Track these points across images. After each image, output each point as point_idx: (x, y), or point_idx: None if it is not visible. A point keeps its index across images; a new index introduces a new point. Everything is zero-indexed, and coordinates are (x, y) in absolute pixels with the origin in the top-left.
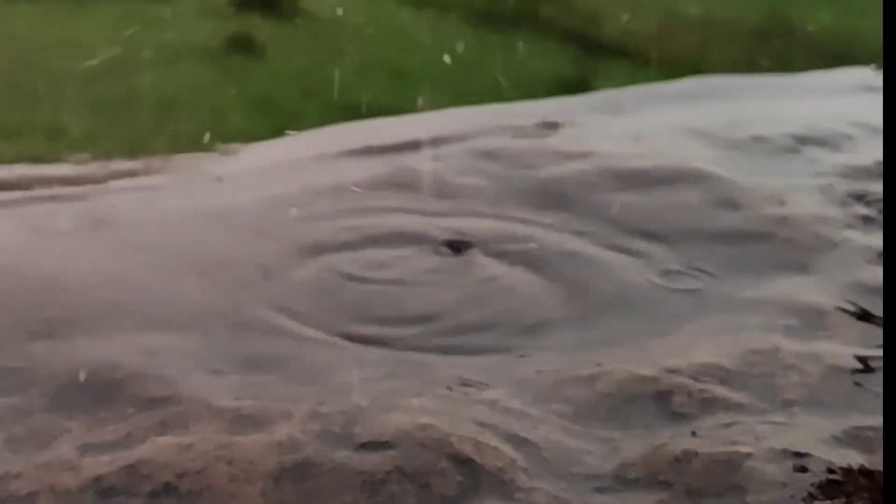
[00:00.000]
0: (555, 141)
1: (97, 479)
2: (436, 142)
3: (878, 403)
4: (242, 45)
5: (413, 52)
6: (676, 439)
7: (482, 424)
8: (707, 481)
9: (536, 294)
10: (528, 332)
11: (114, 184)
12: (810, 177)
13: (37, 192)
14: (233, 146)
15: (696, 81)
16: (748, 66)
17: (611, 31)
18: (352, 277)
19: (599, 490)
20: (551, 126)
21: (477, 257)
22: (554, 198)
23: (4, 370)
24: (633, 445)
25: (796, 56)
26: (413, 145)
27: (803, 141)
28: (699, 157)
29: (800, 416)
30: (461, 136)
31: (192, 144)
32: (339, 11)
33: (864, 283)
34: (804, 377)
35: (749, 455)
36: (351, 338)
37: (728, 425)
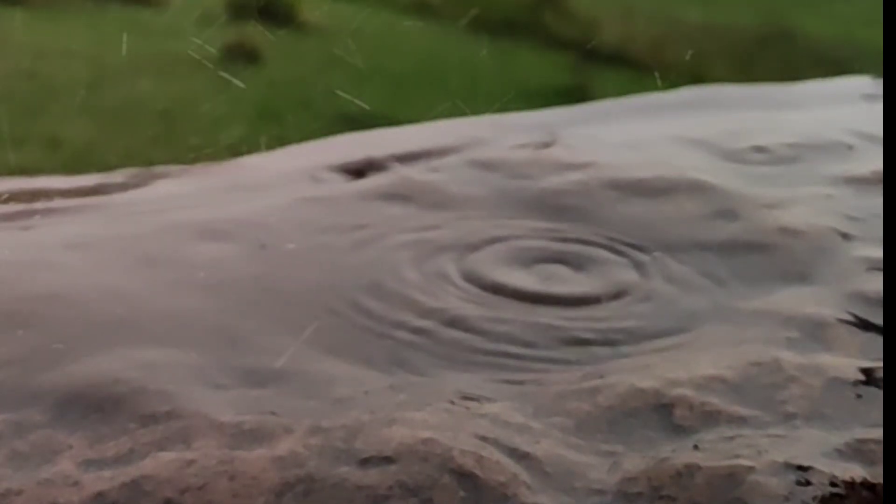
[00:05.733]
0: (553, 151)
1: (99, 496)
2: (434, 153)
3: (880, 415)
4: (240, 54)
5: (412, 62)
6: (678, 453)
7: (484, 438)
8: (710, 495)
9: None
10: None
11: (112, 196)
12: (810, 186)
13: (36, 205)
14: (229, 157)
15: (694, 91)
16: (747, 75)
17: (609, 39)
18: (353, 291)
19: None
20: (550, 136)
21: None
22: (553, 208)
23: (5, 386)
24: (636, 459)
25: (795, 65)
26: (411, 156)
27: (802, 150)
28: (698, 167)
29: (802, 429)
30: (460, 147)
31: (191, 155)
32: (338, 20)
33: (865, 294)
34: (806, 389)
35: (751, 469)
36: (352, 352)
37: (730, 438)
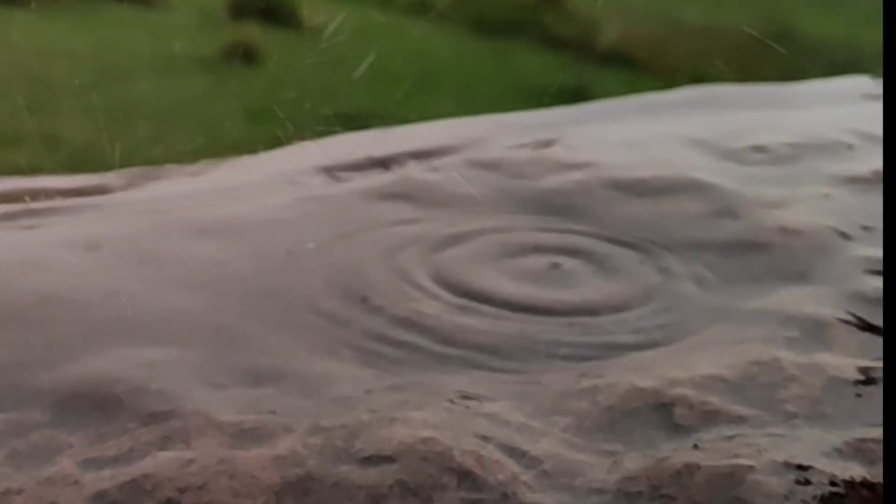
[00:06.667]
0: (553, 151)
1: (99, 495)
2: (434, 152)
3: (880, 415)
4: (241, 54)
5: (412, 61)
6: (678, 452)
7: (484, 438)
8: (709, 495)
9: None
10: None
11: (112, 196)
12: (810, 186)
13: (35, 204)
14: (229, 157)
15: (694, 90)
16: (747, 74)
17: (609, 39)
18: (353, 290)
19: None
20: (550, 136)
21: None
22: (553, 208)
23: (5, 386)
24: (635, 458)
25: (796, 64)
26: (411, 156)
27: (802, 150)
28: (698, 167)
29: (802, 428)
30: (460, 147)
31: (191, 154)
32: (338, 20)
33: (865, 294)
34: (806, 389)
35: (751, 468)
36: (352, 351)
37: (730, 438)
